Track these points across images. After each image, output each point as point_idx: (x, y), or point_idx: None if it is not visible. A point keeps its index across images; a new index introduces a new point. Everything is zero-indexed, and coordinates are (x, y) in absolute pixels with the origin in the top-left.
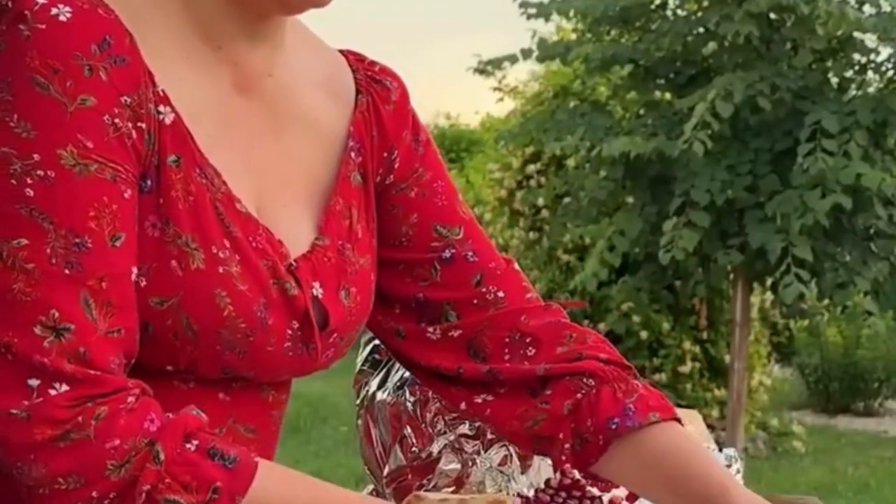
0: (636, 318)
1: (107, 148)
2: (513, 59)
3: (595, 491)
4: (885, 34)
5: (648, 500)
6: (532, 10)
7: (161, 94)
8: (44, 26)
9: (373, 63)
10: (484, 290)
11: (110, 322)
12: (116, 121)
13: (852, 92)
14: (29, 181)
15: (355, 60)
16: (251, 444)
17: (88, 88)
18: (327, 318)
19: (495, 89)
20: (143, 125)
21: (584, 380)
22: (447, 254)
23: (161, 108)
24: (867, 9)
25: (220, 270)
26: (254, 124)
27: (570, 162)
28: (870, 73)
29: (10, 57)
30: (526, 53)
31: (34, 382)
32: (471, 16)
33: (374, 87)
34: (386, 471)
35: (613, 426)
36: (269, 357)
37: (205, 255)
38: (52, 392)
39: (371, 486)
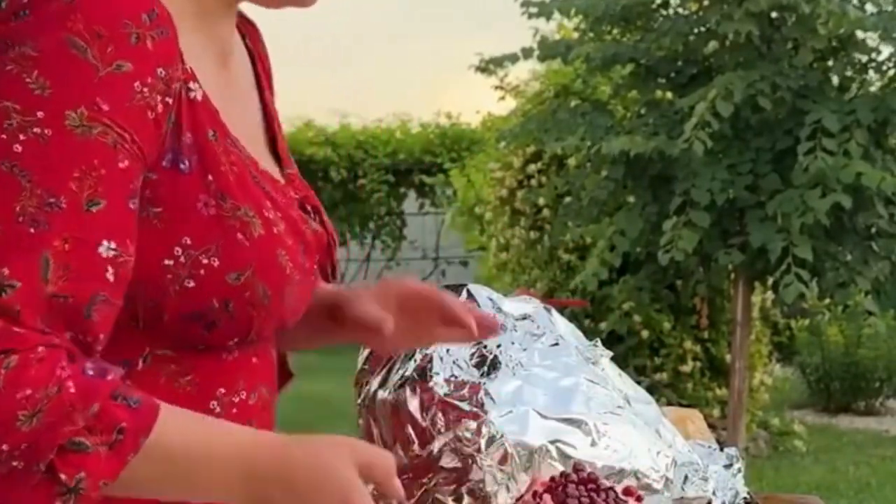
0: (637, 318)
1: (123, 114)
2: (514, 59)
3: (606, 482)
4: (886, 33)
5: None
6: (533, 10)
7: (189, 71)
8: None
9: None
10: None
11: (60, 286)
12: (146, 90)
13: (853, 91)
14: (21, 137)
15: None
16: (271, 407)
17: (130, 55)
18: (332, 237)
19: (496, 88)
20: (170, 100)
21: None
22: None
23: (191, 85)
24: (869, 7)
25: (275, 231)
26: (235, 92)
27: (571, 161)
28: (871, 73)
29: (43, 19)
30: (527, 52)
31: None
32: (472, 15)
33: (247, 26)
34: None
35: None
36: (305, 297)
37: (261, 221)
38: None
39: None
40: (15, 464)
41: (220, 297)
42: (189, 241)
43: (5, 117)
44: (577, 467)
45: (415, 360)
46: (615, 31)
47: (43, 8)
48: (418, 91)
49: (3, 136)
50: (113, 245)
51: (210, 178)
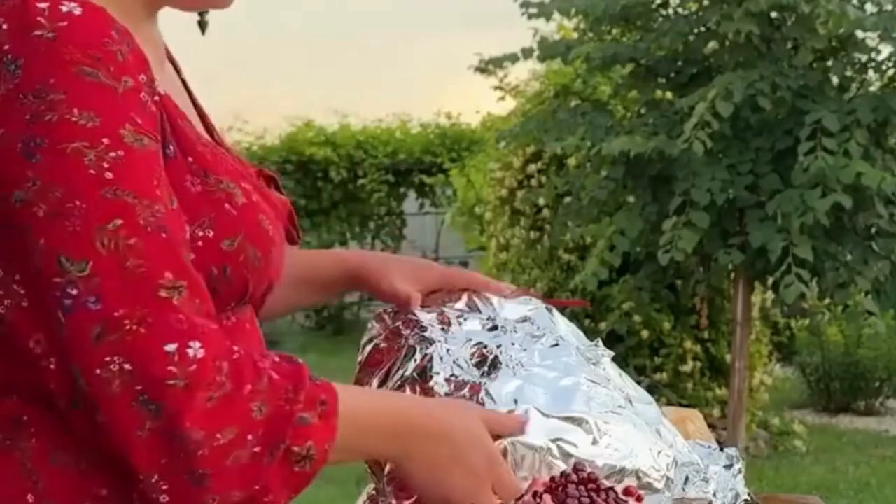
0: (637, 318)
1: (148, 123)
2: (514, 59)
3: (606, 483)
4: (885, 33)
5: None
6: (533, 10)
7: (152, 73)
8: (66, 23)
9: None
10: None
11: (195, 275)
12: (143, 96)
13: (853, 91)
14: (105, 165)
15: None
16: None
17: (125, 70)
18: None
19: (496, 88)
20: (157, 98)
21: None
22: None
23: (156, 84)
24: (869, 7)
25: (254, 199)
26: (174, 90)
27: (571, 161)
28: (870, 72)
29: (40, 63)
30: (527, 52)
31: (171, 347)
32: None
33: None
34: (387, 469)
35: None
36: (282, 260)
37: (241, 191)
38: (191, 353)
39: (372, 485)
40: (256, 449)
41: (218, 264)
42: (185, 218)
43: (83, 156)
44: (578, 467)
45: (415, 360)
46: (615, 31)
47: (32, 52)
48: (418, 91)
49: (93, 172)
50: (189, 232)
51: (190, 159)
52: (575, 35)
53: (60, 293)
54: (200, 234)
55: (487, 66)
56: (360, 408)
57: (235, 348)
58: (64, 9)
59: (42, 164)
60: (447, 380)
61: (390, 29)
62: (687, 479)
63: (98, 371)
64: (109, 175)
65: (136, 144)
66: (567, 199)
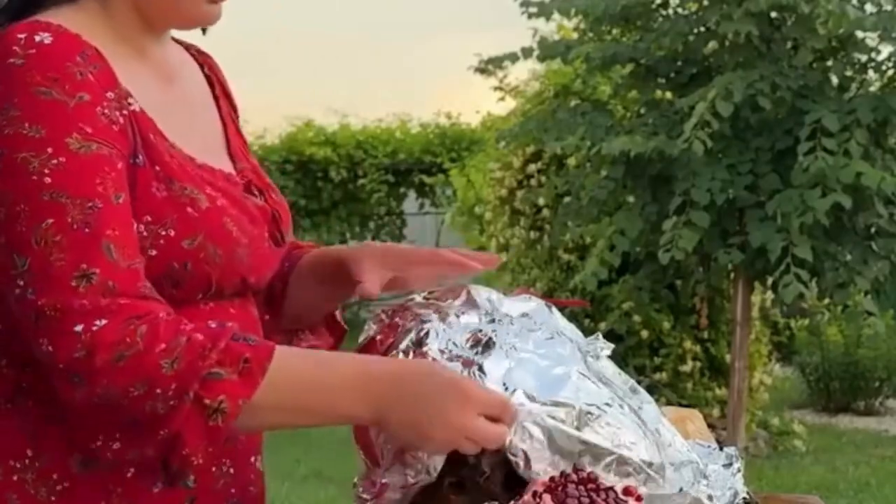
0: (637, 318)
1: (102, 132)
2: (513, 59)
3: (605, 483)
4: (885, 33)
5: (307, 302)
6: (533, 10)
7: (125, 90)
8: (34, 51)
9: (190, 45)
10: None
11: (129, 256)
12: (106, 111)
13: (853, 91)
14: (46, 171)
15: (179, 43)
16: None
17: (83, 88)
18: (280, 215)
19: (496, 88)
20: (126, 112)
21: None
22: None
23: (130, 100)
24: (868, 7)
25: (219, 204)
26: (182, 106)
27: (571, 161)
28: (870, 72)
29: (8, 86)
30: (527, 52)
31: (79, 328)
32: (472, 14)
33: (205, 58)
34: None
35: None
36: (262, 260)
37: (206, 196)
38: (95, 328)
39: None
40: (171, 403)
41: (179, 260)
42: (150, 219)
43: (27, 164)
44: (577, 467)
45: (410, 337)
46: (615, 31)
47: (4, 77)
48: (418, 91)
49: (35, 178)
50: (140, 224)
51: (157, 168)
52: (575, 35)
53: (13, 284)
54: (163, 233)
55: (487, 66)
56: (304, 367)
57: (162, 315)
58: (37, 38)
59: (1, 172)
60: (441, 350)
61: (390, 29)
62: (686, 478)
63: (41, 348)
64: (48, 180)
65: (83, 150)
66: (567, 199)
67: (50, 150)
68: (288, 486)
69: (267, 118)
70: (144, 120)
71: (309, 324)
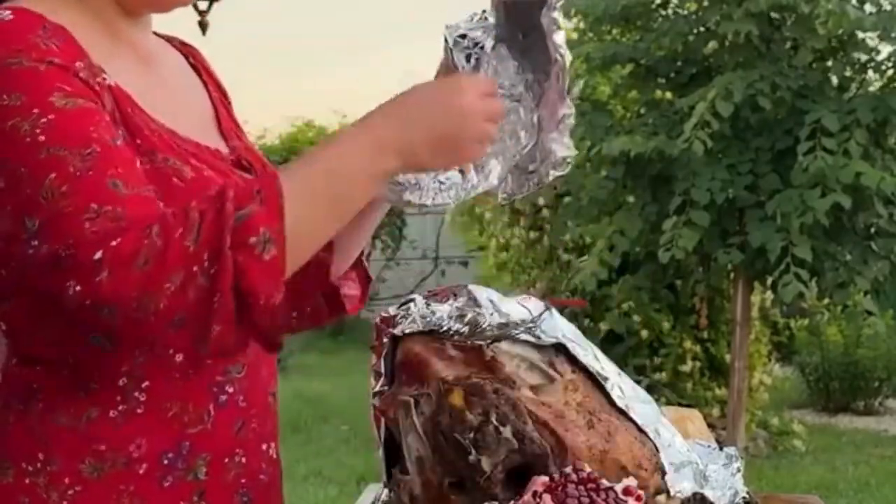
0: (636, 318)
1: (81, 90)
2: None
3: (606, 483)
4: (885, 33)
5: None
6: None
7: (98, 66)
8: None
9: (173, 37)
10: None
11: (139, 185)
12: (81, 74)
13: (853, 91)
14: (38, 131)
15: (161, 37)
16: None
17: (50, 54)
18: None
19: None
20: (99, 83)
21: None
22: None
23: (104, 75)
24: (868, 7)
25: (206, 174)
26: (163, 88)
27: None
28: (870, 72)
29: None
30: None
31: (98, 255)
32: None
33: (188, 48)
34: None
35: None
36: None
37: (190, 167)
38: (112, 247)
39: (384, 490)
40: (212, 270)
41: None
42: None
43: (18, 129)
44: (577, 467)
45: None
46: (615, 31)
47: None
48: None
49: (28, 140)
50: (137, 162)
51: (139, 141)
52: (575, 35)
53: (26, 247)
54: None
55: None
56: (312, 159)
57: (162, 207)
58: None
59: None
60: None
61: (391, 29)
62: (685, 478)
63: (69, 293)
64: (42, 138)
65: (69, 105)
66: (567, 199)
67: (36, 110)
68: (288, 487)
69: (267, 118)
70: (120, 94)
71: (347, 257)
